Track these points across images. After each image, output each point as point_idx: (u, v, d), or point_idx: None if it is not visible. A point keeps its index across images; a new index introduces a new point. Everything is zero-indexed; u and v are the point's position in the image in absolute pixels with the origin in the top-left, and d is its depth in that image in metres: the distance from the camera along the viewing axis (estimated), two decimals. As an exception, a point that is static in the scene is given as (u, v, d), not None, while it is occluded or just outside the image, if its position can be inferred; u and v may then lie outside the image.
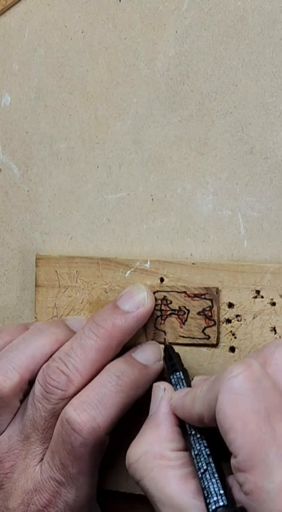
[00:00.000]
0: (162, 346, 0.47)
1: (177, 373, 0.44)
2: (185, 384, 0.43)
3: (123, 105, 0.50)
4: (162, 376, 0.47)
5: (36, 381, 0.45)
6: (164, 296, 0.47)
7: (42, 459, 0.45)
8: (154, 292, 0.47)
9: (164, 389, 0.43)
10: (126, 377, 0.44)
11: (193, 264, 0.47)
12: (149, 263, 0.48)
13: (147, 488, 0.39)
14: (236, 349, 0.46)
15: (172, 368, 0.45)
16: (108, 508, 0.50)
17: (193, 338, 0.47)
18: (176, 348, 0.47)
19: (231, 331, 0.46)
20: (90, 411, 0.43)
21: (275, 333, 0.45)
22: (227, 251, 0.48)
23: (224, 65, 0.48)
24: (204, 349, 0.47)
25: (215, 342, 0.46)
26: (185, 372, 0.45)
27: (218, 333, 0.46)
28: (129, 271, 0.48)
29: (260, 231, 0.47)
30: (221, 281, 0.46)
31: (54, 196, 0.52)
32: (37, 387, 0.45)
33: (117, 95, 0.50)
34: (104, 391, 0.44)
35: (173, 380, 0.44)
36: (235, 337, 0.46)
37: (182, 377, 0.44)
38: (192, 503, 0.38)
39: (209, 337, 0.46)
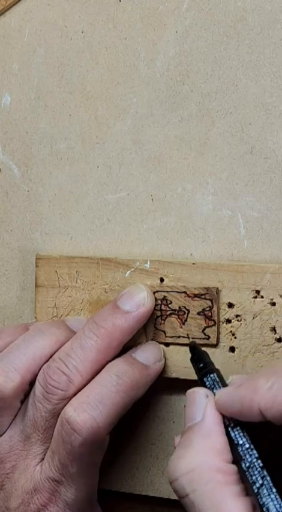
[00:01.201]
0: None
1: (212, 375, 0.41)
2: (221, 386, 0.41)
3: (123, 105, 0.50)
4: (161, 376, 0.47)
5: (36, 382, 0.45)
6: (164, 296, 0.47)
7: (42, 459, 0.45)
8: (154, 292, 0.47)
9: (207, 396, 0.40)
10: (127, 377, 0.44)
11: (193, 264, 0.47)
12: (149, 263, 0.48)
13: (198, 503, 0.36)
14: (236, 349, 0.46)
15: (204, 369, 0.42)
16: (108, 508, 0.50)
17: (193, 338, 0.47)
18: (176, 348, 0.47)
19: (231, 331, 0.46)
20: (90, 411, 0.43)
21: (275, 332, 0.45)
22: (227, 251, 0.48)
23: (224, 65, 0.48)
24: (204, 349, 0.47)
25: (215, 342, 0.46)
26: (218, 372, 0.42)
27: (218, 333, 0.46)
28: (129, 271, 0.48)
29: (260, 231, 0.47)
30: (221, 281, 0.46)
31: (54, 196, 0.52)
32: (37, 388, 0.45)
33: (117, 95, 0.50)
34: (104, 391, 0.44)
35: (207, 383, 0.41)
36: (235, 337, 0.46)
37: (217, 379, 0.41)
38: None
39: (209, 337, 0.46)
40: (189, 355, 0.44)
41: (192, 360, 0.44)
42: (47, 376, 0.44)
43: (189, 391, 0.41)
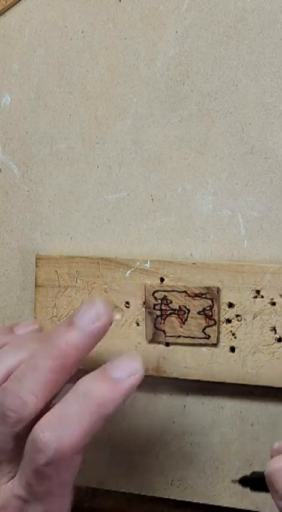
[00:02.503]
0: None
1: None
2: None
3: (123, 105, 0.50)
4: (161, 376, 0.47)
5: None
6: (164, 296, 0.47)
7: (13, 477, 0.44)
8: (154, 292, 0.47)
9: None
10: (94, 394, 0.42)
11: (193, 264, 0.47)
12: (149, 263, 0.48)
13: None
14: (236, 349, 0.46)
15: None
16: (109, 508, 0.50)
17: (193, 338, 0.47)
18: (176, 348, 0.47)
19: (231, 331, 0.46)
20: (55, 431, 0.41)
21: (275, 332, 0.45)
22: (227, 251, 0.48)
23: (224, 65, 0.48)
24: (204, 348, 0.47)
25: (215, 342, 0.46)
26: None
27: (218, 332, 0.46)
28: (129, 271, 0.49)
29: (260, 231, 0.47)
30: (221, 281, 0.46)
31: (54, 196, 0.52)
32: None
33: (117, 95, 0.50)
34: (69, 410, 0.41)
35: None
36: (235, 337, 0.46)
37: None
38: None
39: (209, 336, 0.46)
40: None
41: (255, 488, 0.42)
42: (2, 398, 0.42)
43: None
